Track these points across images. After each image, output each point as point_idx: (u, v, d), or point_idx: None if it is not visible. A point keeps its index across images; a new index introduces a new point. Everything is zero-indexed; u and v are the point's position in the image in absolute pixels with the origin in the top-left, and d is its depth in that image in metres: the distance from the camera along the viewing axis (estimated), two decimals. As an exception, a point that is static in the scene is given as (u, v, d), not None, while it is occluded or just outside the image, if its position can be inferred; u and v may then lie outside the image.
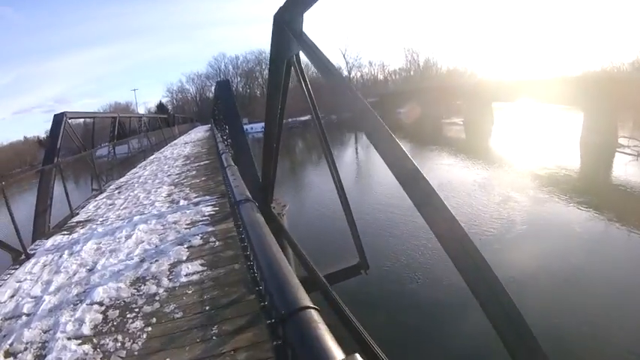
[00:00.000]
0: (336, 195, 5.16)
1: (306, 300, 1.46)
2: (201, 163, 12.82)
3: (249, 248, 3.67)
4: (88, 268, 4.93)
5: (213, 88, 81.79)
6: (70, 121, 11.08)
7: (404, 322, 9.09)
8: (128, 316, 3.46)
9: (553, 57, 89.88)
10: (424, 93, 61.25)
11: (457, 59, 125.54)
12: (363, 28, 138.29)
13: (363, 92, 79.67)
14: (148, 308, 3.53)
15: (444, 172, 23.60)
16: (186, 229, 5.68)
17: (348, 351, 1.31)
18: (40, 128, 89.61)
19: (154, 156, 19.33)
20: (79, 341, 3.17)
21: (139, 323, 3.29)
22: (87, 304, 3.82)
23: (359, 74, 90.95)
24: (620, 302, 8.86)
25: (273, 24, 4.82)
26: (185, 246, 4.92)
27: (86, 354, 2.98)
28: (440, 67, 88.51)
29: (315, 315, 1.35)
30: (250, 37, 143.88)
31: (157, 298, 3.71)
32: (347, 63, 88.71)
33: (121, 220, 7.13)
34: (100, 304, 3.81)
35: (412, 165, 2.57)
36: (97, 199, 10.28)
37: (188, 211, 6.61)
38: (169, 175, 11.50)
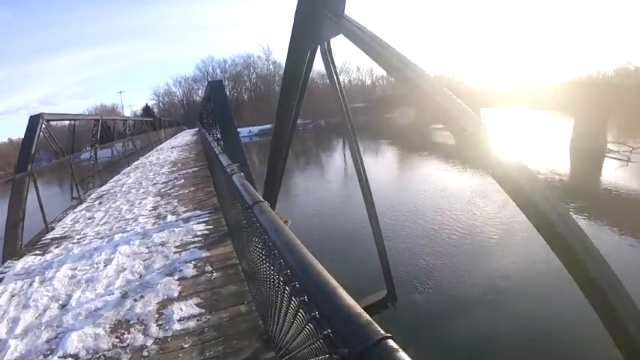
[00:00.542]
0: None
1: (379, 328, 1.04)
2: (189, 171, 12.01)
3: (281, 263, 2.82)
4: (61, 302, 4.12)
5: (200, 91, 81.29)
6: (55, 123, 10.29)
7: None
8: (107, 381, 2.68)
9: (539, 63, 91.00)
10: (412, 98, 61.04)
11: (443, 66, 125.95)
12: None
13: (351, 97, 79.72)
14: (133, 369, 2.76)
15: (439, 178, 23.18)
16: (175, 253, 4.89)
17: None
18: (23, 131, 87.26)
19: (138, 161, 18.40)
20: None
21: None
22: (59, 357, 3.04)
23: (347, 79, 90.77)
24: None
25: (299, 3, 4.04)
26: (175, 277, 4.14)
27: None
28: (427, 72, 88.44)
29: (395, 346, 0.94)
30: (239, 41, 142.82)
31: (145, 353, 2.94)
32: (335, 68, 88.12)
33: (101, 238, 6.29)
34: (75, 357, 3.03)
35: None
36: (75, 210, 9.39)
37: (177, 230, 5.81)
38: (155, 183, 10.67)
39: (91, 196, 10.81)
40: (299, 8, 4.03)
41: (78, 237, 6.74)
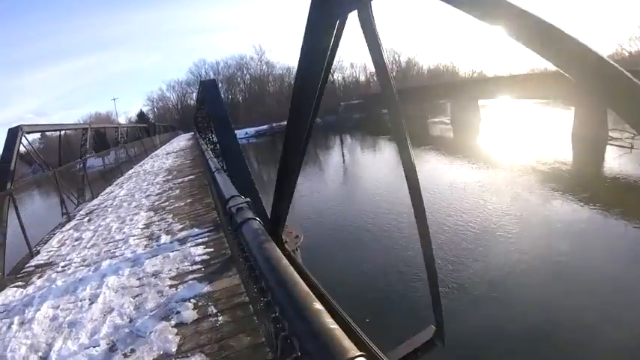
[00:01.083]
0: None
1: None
2: (185, 179, 11.20)
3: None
4: (40, 355, 3.37)
5: (194, 95, 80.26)
6: (50, 134, 9.50)
7: None
8: None
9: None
10: (408, 93, 60.91)
11: (438, 58, 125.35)
12: (346, 28, 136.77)
13: (346, 94, 79.08)
14: None
15: (445, 173, 22.70)
16: (171, 286, 4.10)
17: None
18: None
19: (132, 170, 17.59)
20: None
21: None
22: None
23: (340, 77, 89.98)
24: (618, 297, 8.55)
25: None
26: (173, 322, 3.35)
27: None
28: (421, 66, 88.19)
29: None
30: (231, 43, 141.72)
31: None
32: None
33: (87, 266, 5.50)
34: None
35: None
36: (63, 229, 8.58)
37: (172, 254, 5.02)
38: (148, 195, 9.86)
39: (81, 212, 10.02)
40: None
41: (63, 264, 5.96)
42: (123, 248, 5.87)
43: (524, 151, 25.23)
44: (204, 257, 4.70)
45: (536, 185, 17.87)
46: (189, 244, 5.26)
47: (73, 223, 9.01)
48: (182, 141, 36.15)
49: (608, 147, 23.87)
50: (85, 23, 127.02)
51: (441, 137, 41.72)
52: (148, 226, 6.83)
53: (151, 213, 7.73)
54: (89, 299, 4.31)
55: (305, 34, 3.26)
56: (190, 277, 4.22)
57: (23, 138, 9.42)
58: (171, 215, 7.13)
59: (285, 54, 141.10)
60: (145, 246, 5.70)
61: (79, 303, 4.28)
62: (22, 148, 9.81)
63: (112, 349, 3.20)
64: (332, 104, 73.95)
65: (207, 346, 2.94)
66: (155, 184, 11.37)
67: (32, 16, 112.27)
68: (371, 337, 3.39)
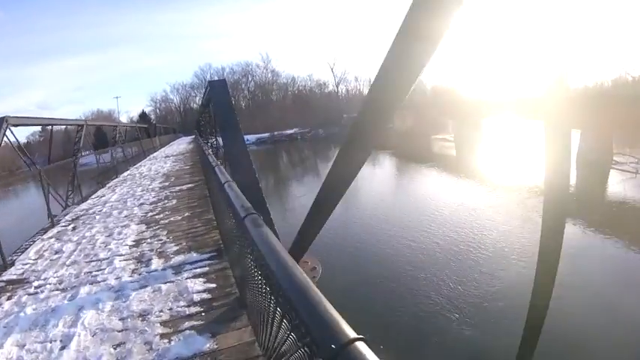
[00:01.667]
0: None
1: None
2: (184, 188, 10.28)
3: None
4: None
5: (197, 98, 79.83)
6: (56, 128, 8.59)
7: None
8: None
9: (534, 73, 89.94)
10: (411, 109, 60.59)
11: (441, 76, 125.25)
12: (352, 42, 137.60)
13: (349, 107, 78.58)
14: None
15: (453, 193, 22.01)
16: (162, 337, 3.16)
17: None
18: (22, 133, 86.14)
19: (128, 172, 16.67)
20: None
21: None
22: None
23: (344, 89, 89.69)
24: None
25: None
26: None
27: None
28: (425, 83, 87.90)
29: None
30: (237, 50, 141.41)
31: None
32: (335, 77, 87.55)
33: (63, 291, 4.56)
34: None
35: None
36: (44, 237, 7.63)
37: (164, 287, 4.09)
38: (142, 203, 8.93)
39: (67, 217, 9.08)
40: None
41: (37, 284, 5.02)
42: (106, 271, 4.93)
43: (530, 172, 24.23)
44: (205, 296, 3.77)
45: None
46: (185, 274, 4.32)
47: (56, 230, 8.07)
48: (182, 144, 35.30)
49: (612, 171, 24.12)
50: (96, 19, 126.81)
51: (445, 155, 41.05)
52: (137, 243, 5.90)
53: (143, 227, 6.79)
54: (60, 341, 3.40)
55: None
56: (187, 324, 3.29)
57: (9, 130, 8.47)
58: (165, 232, 6.19)
59: (291, 64, 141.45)
60: (133, 271, 4.76)
61: (49, 345, 3.37)
62: (22, 140, 8.90)
63: None
64: (335, 116, 73.49)
65: None
66: (150, 191, 10.45)
67: (45, 8, 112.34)
68: None
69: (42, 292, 4.71)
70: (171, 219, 6.97)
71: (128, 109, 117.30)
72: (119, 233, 6.66)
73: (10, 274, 5.72)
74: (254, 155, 11.15)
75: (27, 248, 7.07)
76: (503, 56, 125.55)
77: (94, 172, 15.97)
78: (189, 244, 5.36)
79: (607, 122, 26.49)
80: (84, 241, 6.72)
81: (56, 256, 6.21)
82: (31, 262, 6.18)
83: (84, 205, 10.20)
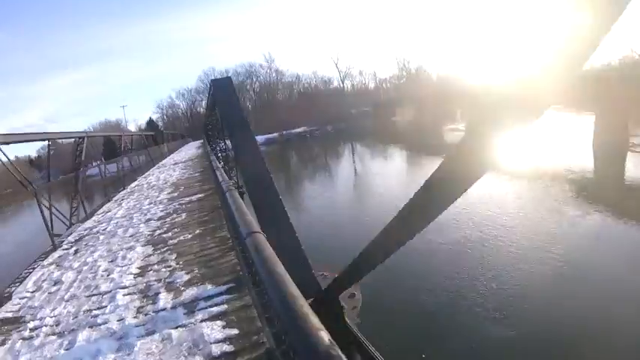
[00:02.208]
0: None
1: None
2: (194, 198, 9.50)
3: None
4: None
5: (203, 102, 79.56)
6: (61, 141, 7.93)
7: None
8: None
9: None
10: (419, 100, 59.78)
11: (447, 65, 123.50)
12: (354, 37, 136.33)
13: (355, 101, 77.71)
14: None
15: (476, 186, 20.76)
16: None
17: None
18: (32, 148, 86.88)
19: (136, 182, 16.00)
20: None
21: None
22: None
23: (349, 84, 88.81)
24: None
25: None
26: None
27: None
28: (430, 73, 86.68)
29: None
30: (240, 51, 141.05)
31: None
32: (339, 72, 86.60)
33: (59, 336, 3.83)
34: None
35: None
36: (45, 263, 6.95)
37: (175, 335, 3.28)
38: (148, 219, 8.17)
39: (70, 238, 8.38)
40: None
41: (32, 325, 4.34)
42: (107, 309, 4.17)
43: (548, 160, 24.37)
44: (227, 347, 2.95)
45: (570, 197, 17.02)
46: (199, 315, 3.52)
47: (57, 254, 7.37)
48: (191, 149, 34.67)
49: (629, 154, 23.88)
50: (98, 32, 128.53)
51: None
52: (143, 271, 5.12)
53: (149, 249, 6.02)
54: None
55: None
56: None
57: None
58: (174, 255, 5.40)
59: (294, 62, 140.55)
60: (138, 310, 3.98)
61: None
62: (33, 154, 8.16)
63: None
64: (343, 112, 72.67)
65: None
66: (158, 204, 9.71)
67: (48, 23, 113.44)
68: None
69: (37, 335, 4.02)
70: (181, 238, 6.18)
71: (136, 117, 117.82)
72: (123, 257, 5.90)
73: (6, 310, 5.05)
74: (264, 156, 10.39)
75: (26, 277, 6.39)
76: (513, 36, 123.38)
77: (100, 185, 15.31)
78: (203, 272, 4.56)
79: (621, 103, 25.93)
80: (85, 268, 5.99)
81: (55, 287, 5.50)
82: (29, 295, 5.50)
83: (88, 223, 9.49)
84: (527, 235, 12.92)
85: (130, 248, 6.28)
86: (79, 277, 5.67)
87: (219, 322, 3.33)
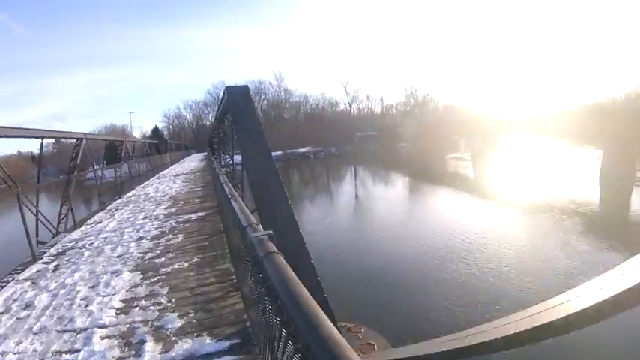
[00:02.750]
0: None
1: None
2: (193, 217, 8.68)
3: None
4: None
5: (210, 116, 79.58)
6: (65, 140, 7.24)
7: None
8: None
9: (542, 89, 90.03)
10: (425, 127, 59.73)
11: (453, 95, 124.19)
12: (364, 61, 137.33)
13: (361, 125, 77.34)
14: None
15: (481, 217, 20.31)
16: None
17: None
18: (35, 144, 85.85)
19: (133, 192, 15.18)
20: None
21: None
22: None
23: (356, 108, 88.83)
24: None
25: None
26: None
27: None
28: (437, 102, 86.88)
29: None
30: (251, 67, 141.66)
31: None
32: (348, 95, 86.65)
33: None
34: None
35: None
36: (20, 277, 6.10)
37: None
38: (141, 237, 7.33)
39: (52, 250, 7.53)
40: None
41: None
42: (80, 356, 3.34)
43: (558, 192, 24.03)
44: None
45: (580, 232, 16.50)
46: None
47: (36, 267, 6.53)
48: (194, 162, 34.00)
49: (635, 188, 23.82)
50: (112, 35, 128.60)
51: (465, 176, 39.27)
52: (127, 306, 4.27)
53: (138, 276, 5.17)
54: None
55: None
56: None
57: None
58: (166, 289, 4.56)
59: (303, 82, 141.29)
60: (115, 364, 3.15)
61: None
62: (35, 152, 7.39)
63: None
64: (348, 134, 72.27)
65: None
66: (153, 219, 8.87)
67: (65, 20, 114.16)
68: None
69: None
70: (175, 266, 5.33)
71: (142, 124, 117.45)
72: (106, 284, 5.05)
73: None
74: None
75: (-4, 294, 5.54)
76: (519, 72, 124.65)
77: (104, 186, 14.47)
78: (200, 317, 3.71)
79: (628, 139, 26.09)
80: (62, 291, 5.14)
81: (25, 312, 4.66)
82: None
83: (75, 234, 8.65)
84: (541, 272, 12.34)
85: (116, 273, 5.43)
86: (54, 302, 4.83)
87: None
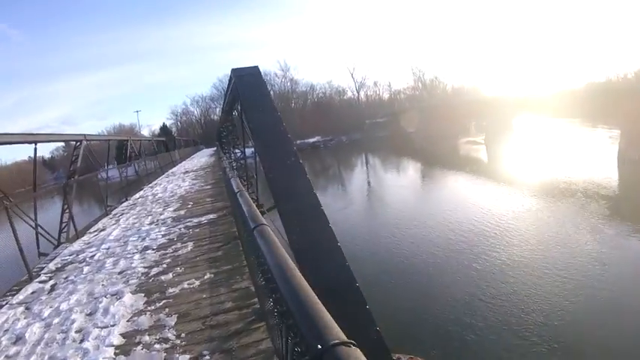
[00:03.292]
0: None
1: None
2: (203, 220, 7.86)
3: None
4: None
5: (217, 110, 78.93)
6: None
7: None
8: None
9: (553, 69, 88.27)
10: (434, 111, 58.44)
11: (462, 76, 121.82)
12: (370, 47, 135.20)
13: (370, 112, 75.97)
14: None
15: (501, 201, 20.01)
16: None
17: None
18: (45, 149, 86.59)
19: (141, 193, 14.42)
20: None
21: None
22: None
23: (364, 95, 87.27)
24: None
25: None
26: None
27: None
28: (445, 84, 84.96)
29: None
30: (256, 59, 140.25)
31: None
32: (355, 82, 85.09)
33: None
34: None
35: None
36: (14, 302, 5.37)
37: None
38: (146, 247, 6.51)
39: (51, 266, 6.77)
40: None
41: None
42: None
43: (576, 175, 23.78)
44: None
45: (607, 216, 16.28)
46: None
47: (31, 288, 5.80)
48: (204, 157, 33.35)
49: None
50: (114, 36, 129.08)
51: (481, 160, 38.23)
52: (128, 343, 3.46)
53: (141, 300, 4.36)
54: None
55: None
56: None
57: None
58: (174, 319, 3.72)
59: (309, 71, 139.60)
60: None
61: None
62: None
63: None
64: (357, 122, 71.14)
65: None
66: (160, 224, 8.08)
67: (68, 25, 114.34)
68: None
69: None
70: (184, 285, 4.50)
71: (150, 122, 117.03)
72: (105, 311, 4.26)
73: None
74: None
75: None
76: (528, 51, 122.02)
77: (111, 188, 13.70)
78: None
79: None
80: (56, 321, 4.39)
81: (14, 349, 3.98)
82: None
83: (77, 245, 7.89)
84: (575, 263, 11.94)
85: (117, 295, 4.64)
86: (47, 335, 4.11)
87: None
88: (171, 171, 23.39)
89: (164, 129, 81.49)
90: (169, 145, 37.48)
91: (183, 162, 30.69)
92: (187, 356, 3.04)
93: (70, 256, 7.12)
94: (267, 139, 4.75)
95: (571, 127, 40.92)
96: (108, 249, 6.92)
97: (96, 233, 8.62)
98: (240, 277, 4.40)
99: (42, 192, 8.75)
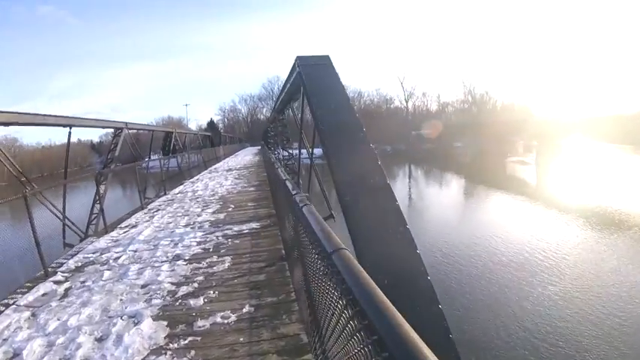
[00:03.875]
0: None
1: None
2: (244, 229, 6.94)
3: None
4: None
5: (265, 110, 79.48)
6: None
7: None
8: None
9: (606, 92, 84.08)
10: (483, 127, 56.37)
11: (512, 93, 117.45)
12: (420, 57, 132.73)
13: (415, 123, 74.15)
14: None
15: (560, 234, 17.84)
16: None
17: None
18: (94, 133, 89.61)
19: (180, 188, 13.79)
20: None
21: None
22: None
23: (411, 105, 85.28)
24: None
25: None
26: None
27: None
28: (496, 100, 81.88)
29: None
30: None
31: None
32: (404, 91, 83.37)
33: None
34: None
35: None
36: (21, 304, 4.64)
37: None
38: (177, 256, 5.64)
39: (70, 264, 6.01)
40: None
41: None
42: None
43: (630, 205, 21.66)
44: None
45: None
46: None
47: (43, 289, 5.06)
48: (248, 155, 33.04)
49: None
50: (169, 27, 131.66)
51: (531, 183, 36.05)
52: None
53: (162, 331, 3.44)
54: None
55: None
56: None
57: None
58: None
59: (357, 77, 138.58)
60: None
61: None
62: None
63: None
64: (403, 132, 69.59)
65: None
66: (197, 228, 7.25)
67: (127, 13, 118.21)
68: None
69: None
70: (217, 319, 3.54)
71: (197, 117, 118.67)
72: (118, 340, 3.38)
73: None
74: (321, 170, 8.14)
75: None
76: (581, 72, 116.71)
77: (152, 179, 13.14)
78: None
79: None
80: (60, 341, 3.57)
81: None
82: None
83: (103, 241, 7.14)
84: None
85: (135, 318, 3.75)
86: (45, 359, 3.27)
87: None
88: (214, 167, 22.94)
89: (211, 124, 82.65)
90: (215, 140, 37.42)
91: (227, 158, 30.38)
92: None
93: (93, 253, 6.37)
94: (342, 146, 3.75)
95: (623, 154, 38.55)
96: (135, 252, 6.11)
97: (126, 229, 7.89)
98: (288, 316, 3.41)
99: (70, 180, 8.09)
